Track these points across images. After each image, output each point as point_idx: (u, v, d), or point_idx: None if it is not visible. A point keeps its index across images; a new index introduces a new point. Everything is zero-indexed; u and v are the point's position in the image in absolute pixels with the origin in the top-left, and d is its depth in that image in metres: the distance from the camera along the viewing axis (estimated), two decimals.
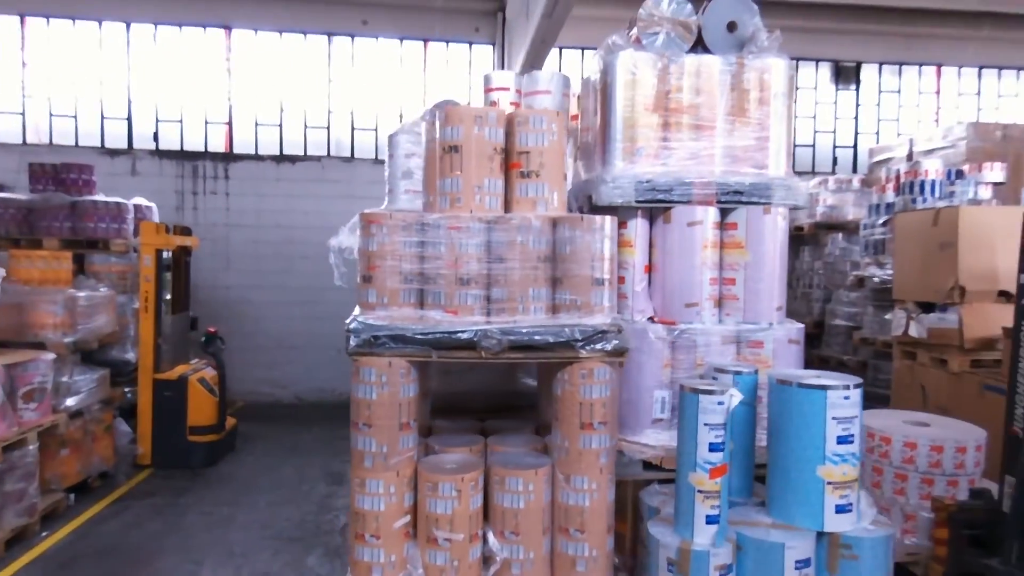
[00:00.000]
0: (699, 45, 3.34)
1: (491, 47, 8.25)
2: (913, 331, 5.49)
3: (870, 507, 2.80)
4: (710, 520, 2.52)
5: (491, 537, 2.58)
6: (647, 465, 3.13)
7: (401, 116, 8.18)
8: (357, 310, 2.64)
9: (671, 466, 3.11)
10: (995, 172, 6.25)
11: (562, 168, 2.78)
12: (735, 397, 2.54)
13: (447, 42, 8.25)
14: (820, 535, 2.63)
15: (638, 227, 3.31)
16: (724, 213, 3.31)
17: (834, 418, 2.59)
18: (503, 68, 7.99)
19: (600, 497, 2.60)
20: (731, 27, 3.35)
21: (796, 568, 2.54)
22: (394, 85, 8.19)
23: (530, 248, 2.55)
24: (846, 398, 2.61)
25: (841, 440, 2.60)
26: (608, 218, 2.66)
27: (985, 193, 6.16)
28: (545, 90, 3.54)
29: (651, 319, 3.30)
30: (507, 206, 2.73)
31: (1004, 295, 5.10)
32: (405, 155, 3.52)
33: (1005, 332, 4.77)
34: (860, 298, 6.80)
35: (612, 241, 2.66)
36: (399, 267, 2.56)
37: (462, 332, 2.51)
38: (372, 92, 8.14)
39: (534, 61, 6.32)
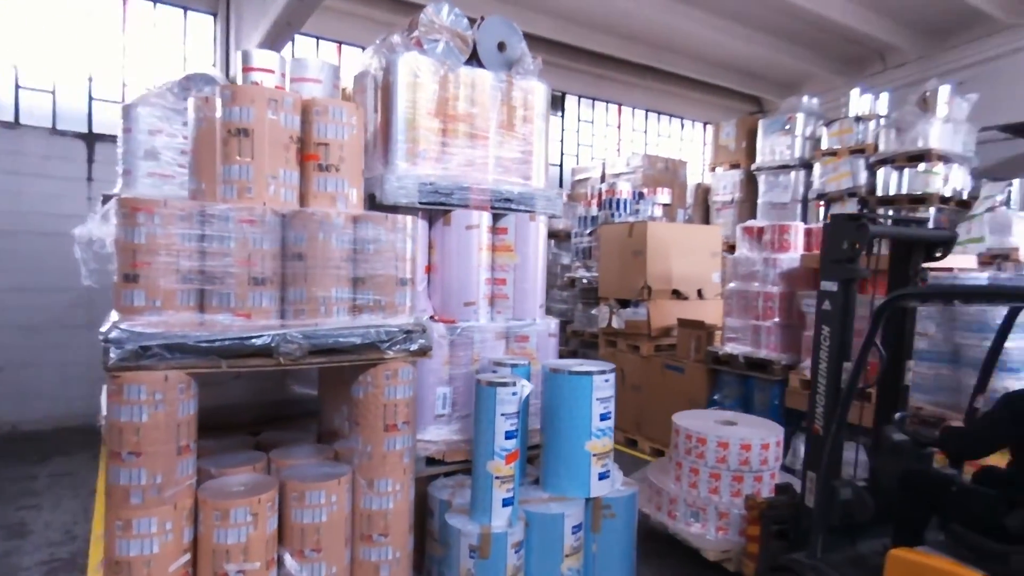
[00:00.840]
0: (475, 58, 3.55)
1: (212, 18, 7.33)
2: (615, 323, 6.61)
3: (618, 471, 3.34)
4: (506, 503, 2.72)
5: (288, 559, 2.37)
6: (430, 461, 3.21)
7: (91, 80, 6.73)
8: (116, 315, 2.16)
9: (455, 459, 3.26)
10: (664, 195, 7.90)
11: (361, 164, 2.70)
12: (527, 387, 2.79)
13: (154, 2, 7.06)
14: (587, 501, 3.05)
15: (419, 228, 3.36)
16: (496, 218, 3.58)
17: (598, 399, 3.03)
18: (228, 44, 7.17)
19: (403, 498, 2.60)
20: (501, 47, 3.63)
21: (572, 533, 2.91)
22: (82, 42, 6.70)
23: (333, 246, 2.42)
24: (606, 381, 3.08)
25: (603, 417, 3.06)
26: (410, 218, 2.68)
27: (658, 211, 7.74)
28: (315, 78, 3.34)
29: (432, 318, 3.39)
30: (301, 200, 2.53)
31: (675, 293, 6.50)
32: (148, 131, 2.98)
33: (679, 322, 6.09)
34: (571, 296, 7.90)
35: (414, 241, 2.68)
36: (176, 264, 2.18)
37: (257, 337, 2.26)
38: (48, 46, 6.53)
39: (273, 43, 5.83)
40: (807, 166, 8.15)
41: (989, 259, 5.48)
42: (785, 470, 4.20)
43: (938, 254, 3.07)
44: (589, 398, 3.00)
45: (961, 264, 4.83)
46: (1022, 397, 2.45)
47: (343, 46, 8.22)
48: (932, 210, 6.73)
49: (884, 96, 7.67)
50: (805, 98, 8.45)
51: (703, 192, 9.78)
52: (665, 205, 7.85)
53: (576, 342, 7.77)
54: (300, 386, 3.46)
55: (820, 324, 2.93)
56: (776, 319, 5.12)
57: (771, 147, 8.45)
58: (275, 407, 3.30)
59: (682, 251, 6.52)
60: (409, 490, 2.65)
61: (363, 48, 7.06)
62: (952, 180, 6.81)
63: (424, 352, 2.61)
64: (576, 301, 7.71)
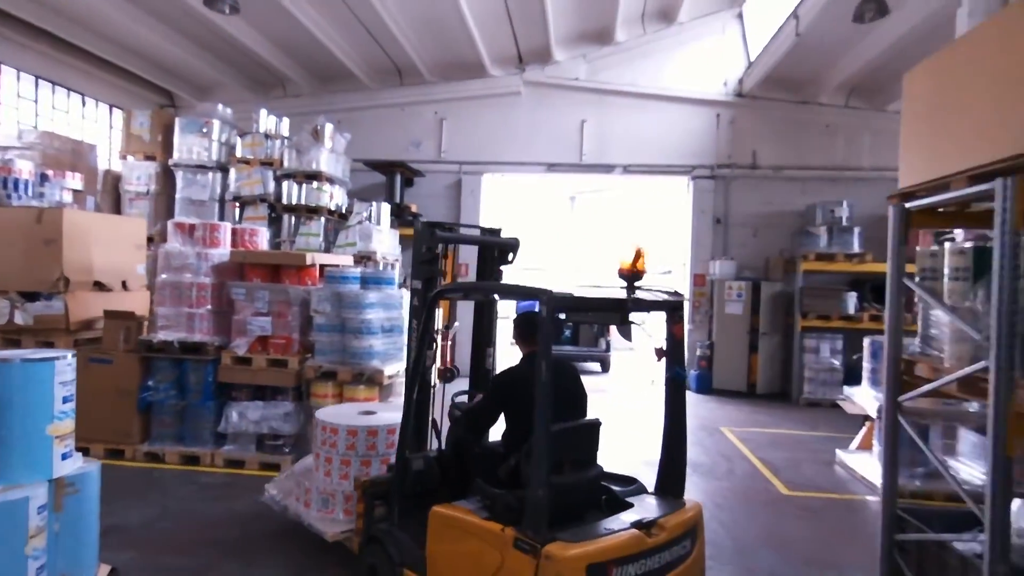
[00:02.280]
0: None
1: None
2: (19, 319, 5.91)
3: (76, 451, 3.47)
4: None
5: None
6: None
7: None
8: None
9: None
10: (75, 180, 7.34)
11: None
12: None
13: None
14: (50, 483, 3.13)
15: None
16: None
17: (60, 383, 3.16)
18: None
19: None
20: None
21: (38, 514, 2.98)
22: None
23: None
24: (69, 365, 3.22)
25: (65, 399, 3.20)
26: None
27: (68, 197, 7.16)
28: None
29: None
30: None
31: (98, 285, 6.31)
32: None
33: (106, 314, 6.00)
34: None
35: None
36: None
37: None
38: None
39: None
40: (224, 169, 9.04)
41: (360, 258, 7.71)
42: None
43: (510, 257, 3.52)
44: (51, 383, 3.09)
45: (342, 262, 6.71)
46: (506, 376, 2.99)
47: None
48: (323, 219, 8.71)
49: (286, 120, 9.30)
50: (220, 106, 9.29)
51: (113, 179, 9.37)
52: (76, 191, 7.31)
53: None
54: None
55: (411, 318, 3.30)
56: (209, 306, 5.83)
57: (189, 146, 8.95)
58: None
59: (105, 242, 6.39)
60: None
61: None
62: (335, 197, 8.98)
63: None
64: None
